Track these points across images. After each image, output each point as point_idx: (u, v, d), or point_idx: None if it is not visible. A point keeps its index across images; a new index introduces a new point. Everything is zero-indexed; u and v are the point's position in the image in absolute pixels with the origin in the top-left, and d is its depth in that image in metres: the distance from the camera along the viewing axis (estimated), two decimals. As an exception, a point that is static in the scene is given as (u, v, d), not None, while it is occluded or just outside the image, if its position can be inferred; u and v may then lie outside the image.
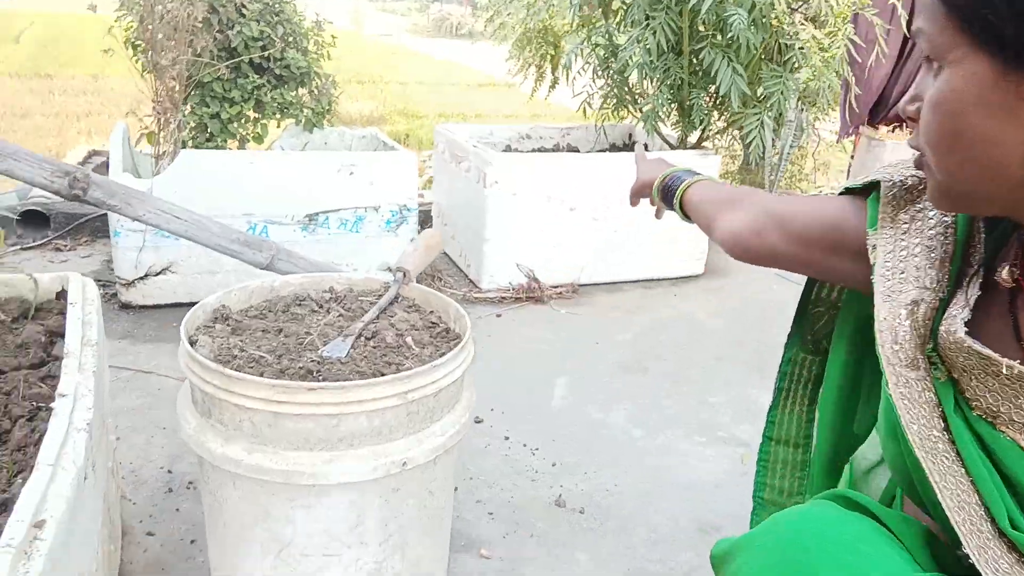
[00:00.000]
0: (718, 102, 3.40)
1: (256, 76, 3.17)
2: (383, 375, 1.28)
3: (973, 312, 0.80)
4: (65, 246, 3.30)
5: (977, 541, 0.78)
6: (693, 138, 3.55)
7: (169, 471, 1.91)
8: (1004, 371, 0.74)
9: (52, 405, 1.10)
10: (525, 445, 2.18)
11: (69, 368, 1.21)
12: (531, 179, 3.08)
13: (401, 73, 12.44)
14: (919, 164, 0.80)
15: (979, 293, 0.80)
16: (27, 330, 1.41)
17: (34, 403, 1.20)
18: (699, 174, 1.24)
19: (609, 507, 1.94)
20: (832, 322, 1.12)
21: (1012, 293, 0.79)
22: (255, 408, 1.17)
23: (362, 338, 1.40)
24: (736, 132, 3.51)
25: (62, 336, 1.38)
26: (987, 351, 0.75)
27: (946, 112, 0.70)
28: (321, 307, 1.52)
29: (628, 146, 3.90)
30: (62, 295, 1.52)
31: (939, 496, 0.79)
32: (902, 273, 0.85)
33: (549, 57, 4.00)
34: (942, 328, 0.80)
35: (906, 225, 0.88)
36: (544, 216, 3.15)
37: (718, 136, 3.53)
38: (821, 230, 0.96)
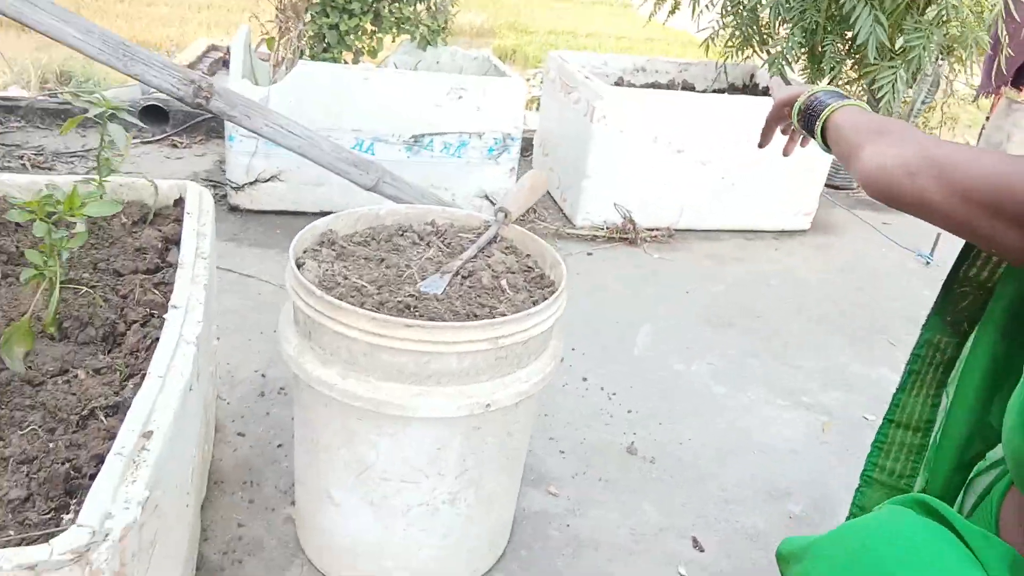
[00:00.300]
0: (852, 50, 3.17)
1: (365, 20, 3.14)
2: (476, 316, 1.29)
3: None
4: (181, 143, 3.44)
5: None
6: (821, 85, 3.34)
7: (263, 375, 2.01)
8: None
9: (165, 316, 1.16)
10: (603, 389, 2.18)
11: (182, 279, 1.27)
12: (641, 116, 2.98)
13: (515, -15, 12.12)
14: None
15: None
16: (145, 234, 1.48)
17: (148, 309, 1.27)
18: (848, 98, 1.12)
19: (681, 460, 1.94)
20: (978, 303, 1.04)
21: None
22: (354, 337, 1.20)
23: (459, 276, 1.41)
24: (865, 84, 3.28)
25: (177, 243, 1.45)
26: None
27: None
28: (422, 239, 1.53)
29: (748, 87, 3.71)
30: (180, 203, 1.58)
31: None
32: None
33: (672, -21, 3.83)
34: None
35: None
36: (650, 156, 3.06)
37: (847, 86, 3.31)
38: (991, 189, 0.85)
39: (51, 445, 0.96)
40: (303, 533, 1.54)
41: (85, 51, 1.59)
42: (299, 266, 1.34)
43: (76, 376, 1.11)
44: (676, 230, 3.26)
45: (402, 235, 1.53)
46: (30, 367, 1.10)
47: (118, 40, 1.63)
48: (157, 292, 1.33)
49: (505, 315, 1.28)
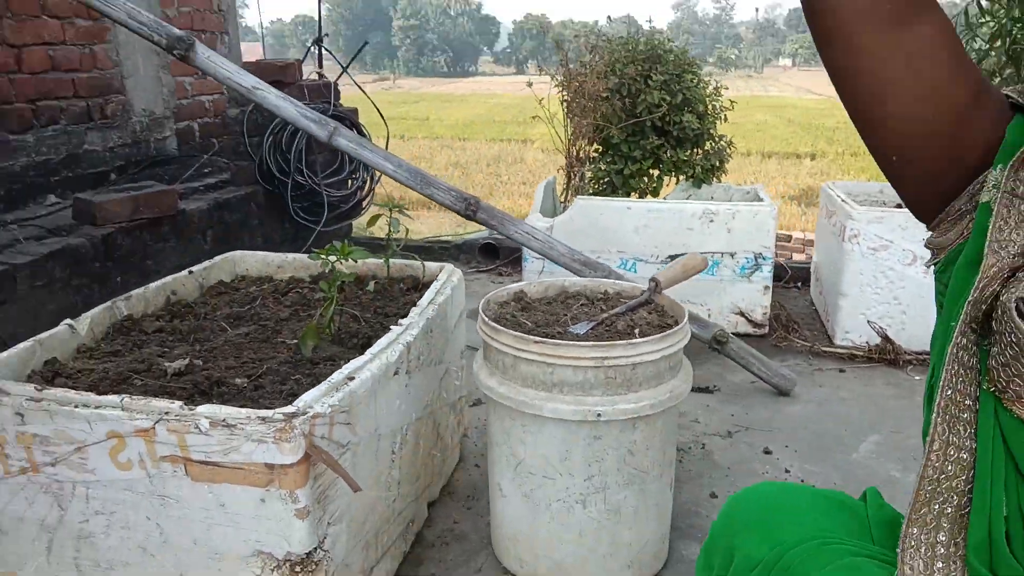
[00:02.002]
0: None
1: (656, 138, 3.75)
2: (603, 350, 1.69)
3: None
4: (506, 271, 4.31)
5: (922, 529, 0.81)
6: None
7: (503, 425, 2.54)
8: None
9: (391, 326, 1.78)
10: (803, 480, 2.28)
11: (413, 312, 1.89)
12: (895, 235, 3.05)
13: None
14: None
15: None
16: (413, 296, 2.15)
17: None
18: None
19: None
20: None
21: None
22: (505, 352, 1.69)
23: (603, 324, 1.82)
24: None
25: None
26: (1020, 322, 0.73)
27: None
28: (590, 301, 1.98)
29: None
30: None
31: (923, 466, 0.81)
32: (1014, 229, 0.78)
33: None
34: (1008, 296, 0.76)
35: None
36: (908, 275, 3.08)
37: None
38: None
39: (305, 383, 1.60)
40: (492, 528, 1.98)
41: (397, 178, 2.41)
42: (485, 311, 1.88)
43: (339, 362, 1.75)
44: (950, 354, 3.13)
45: (576, 298, 2.00)
46: (314, 355, 1.78)
47: (418, 171, 2.43)
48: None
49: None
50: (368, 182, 4.43)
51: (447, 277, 2.18)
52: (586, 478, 1.71)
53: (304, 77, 4.25)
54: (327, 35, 4.58)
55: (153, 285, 1.95)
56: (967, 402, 0.79)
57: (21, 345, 1.50)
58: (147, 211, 2.94)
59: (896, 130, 0.81)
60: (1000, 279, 0.76)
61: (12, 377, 1.42)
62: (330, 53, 4.54)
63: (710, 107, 3.82)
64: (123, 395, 1.31)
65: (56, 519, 1.32)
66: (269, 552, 1.32)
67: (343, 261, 1.86)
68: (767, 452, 2.44)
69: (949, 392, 0.79)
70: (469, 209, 2.46)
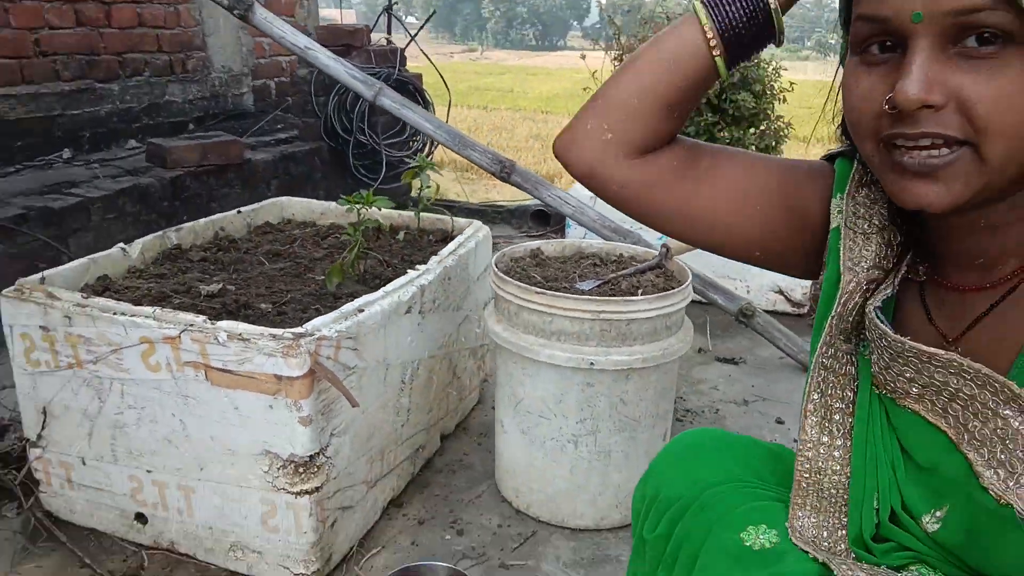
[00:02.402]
0: None
1: (711, 115, 3.77)
2: (603, 304, 1.79)
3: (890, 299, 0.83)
4: (555, 237, 4.40)
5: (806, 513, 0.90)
6: None
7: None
8: (902, 347, 0.78)
9: (409, 270, 1.92)
10: (795, 442, 2.34)
11: (433, 260, 2.03)
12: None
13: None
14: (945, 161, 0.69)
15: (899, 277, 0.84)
16: (439, 248, 2.29)
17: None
18: None
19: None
20: None
21: (920, 285, 0.85)
22: (510, 301, 1.81)
23: (609, 283, 1.92)
24: None
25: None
26: (884, 327, 0.80)
27: None
28: (603, 262, 2.07)
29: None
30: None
31: (797, 460, 0.90)
32: (863, 247, 0.85)
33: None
34: (869, 307, 0.83)
35: (866, 199, 0.86)
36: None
37: None
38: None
39: (323, 312, 1.75)
40: (495, 461, 2.11)
41: (437, 138, 2.54)
42: (497, 263, 2.00)
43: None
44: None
45: (590, 258, 2.10)
46: (338, 290, 1.94)
47: (457, 133, 2.55)
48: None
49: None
50: (428, 144, 4.59)
51: (473, 232, 2.31)
52: (578, 421, 1.82)
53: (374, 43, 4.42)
54: (396, 3, 4.73)
55: (203, 220, 2.15)
56: (838, 405, 0.87)
57: (77, 261, 1.71)
58: (214, 158, 3.17)
59: (745, 249, 0.95)
60: (860, 292, 0.84)
61: (66, 287, 1.62)
62: (399, 21, 4.69)
63: (767, 87, 3.80)
64: (155, 307, 1.49)
65: (96, 409, 1.52)
66: (276, 452, 1.49)
67: (378, 209, 2.01)
68: (779, 422, 2.50)
69: (817, 396, 0.88)
70: (504, 171, 2.57)
